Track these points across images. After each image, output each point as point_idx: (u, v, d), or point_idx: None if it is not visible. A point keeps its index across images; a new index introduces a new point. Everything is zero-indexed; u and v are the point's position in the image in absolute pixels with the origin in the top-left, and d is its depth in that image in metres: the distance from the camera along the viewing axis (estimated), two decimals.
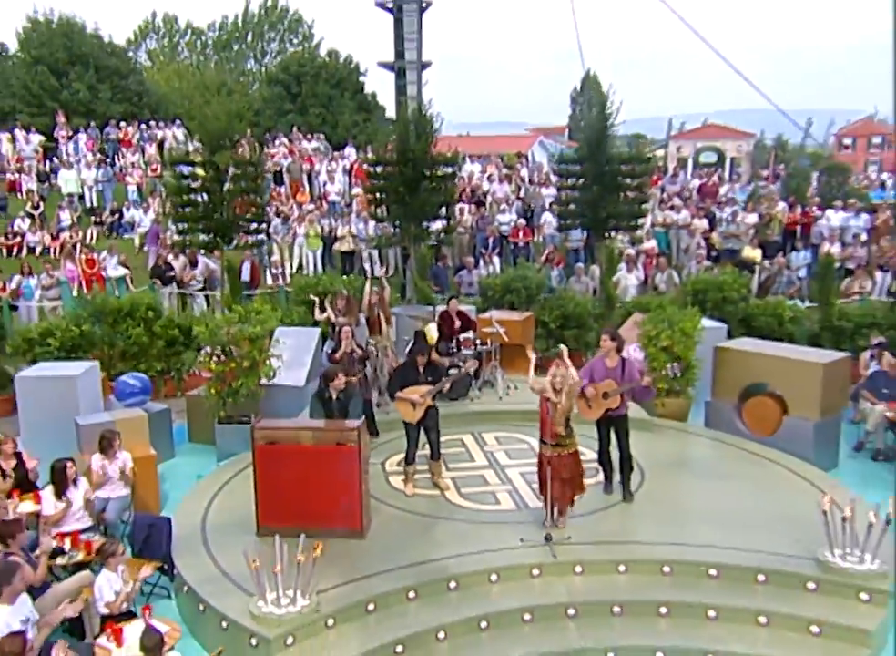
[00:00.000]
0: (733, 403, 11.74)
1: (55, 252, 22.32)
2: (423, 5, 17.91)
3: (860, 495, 10.12)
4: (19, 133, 29.42)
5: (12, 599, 6.76)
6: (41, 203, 24.77)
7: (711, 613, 7.71)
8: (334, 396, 9.33)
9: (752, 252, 20.32)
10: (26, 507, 9.08)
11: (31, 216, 23.89)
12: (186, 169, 17.46)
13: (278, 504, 8.61)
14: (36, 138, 29.42)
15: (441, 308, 14.13)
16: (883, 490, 10.45)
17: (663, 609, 7.79)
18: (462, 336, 12.98)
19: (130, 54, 47.11)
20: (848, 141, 56.86)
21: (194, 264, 18.90)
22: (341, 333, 11.43)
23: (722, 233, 21.72)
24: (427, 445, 10.07)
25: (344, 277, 21.08)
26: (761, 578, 7.97)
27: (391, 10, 18.09)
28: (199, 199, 16.12)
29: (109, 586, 7.34)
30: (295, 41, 51.40)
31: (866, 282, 17.64)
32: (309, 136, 33.56)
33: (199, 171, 16.06)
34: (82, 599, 7.37)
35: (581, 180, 17.15)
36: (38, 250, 22.73)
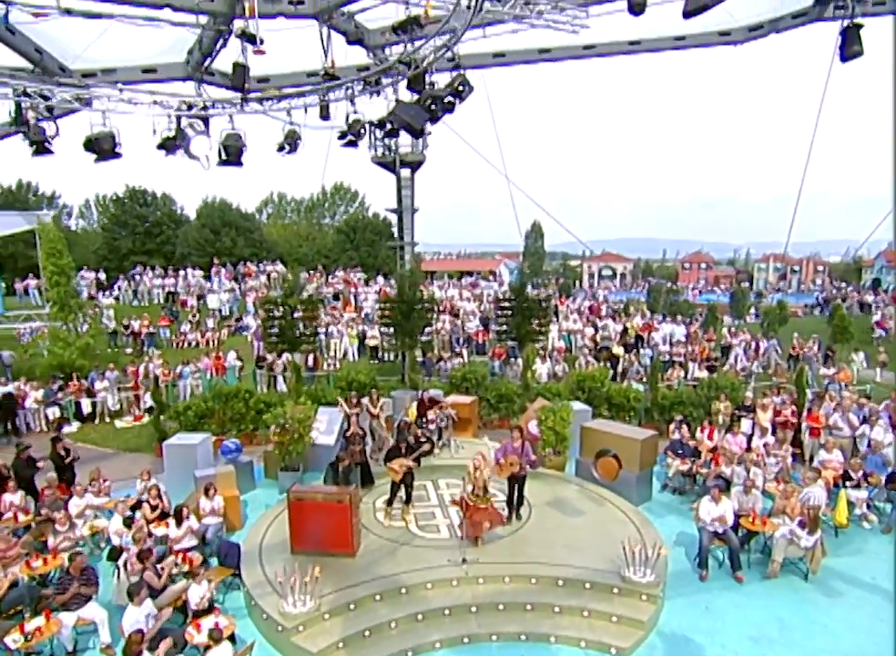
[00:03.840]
0: (592, 460, 11.47)
1: (203, 346, 22.64)
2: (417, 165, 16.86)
3: (659, 520, 10.21)
4: (189, 270, 29.86)
5: (140, 603, 6.93)
6: (198, 314, 25.00)
7: (556, 609, 7.66)
8: (341, 469, 9.28)
9: (617, 349, 20.31)
10: (160, 531, 8.99)
11: (191, 323, 24.04)
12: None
13: (302, 536, 8.47)
14: (199, 273, 29.74)
15: (421, 392, 13.88)
16: (676, 515, 10.62)
17: (528, 607, 7.70)
18: (430, 415, 12.72)
19: (256, 217, 47.88)
20: (687, 265, 57.50)
21: (280, 356, 19.03)
22: (350, 420, 11.42)
23: (601, 337, 21.87)
24: (404, 494, 9.77)
25: (371, 362, 21.44)
26: (588, 586, 7.88)
27: (390, 169, 16.62)
28: (278, 324, 16.19)
29: (196, 593, 7.34)
30: (353, 206, 51.91)
31: (680, 372, 17.54)
32: (355, 268, 34.05)
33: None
34: (172, 607, 7.50)
35: (510, 312, 17.25)
36: (194, 344, 22.93)
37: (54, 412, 16.35)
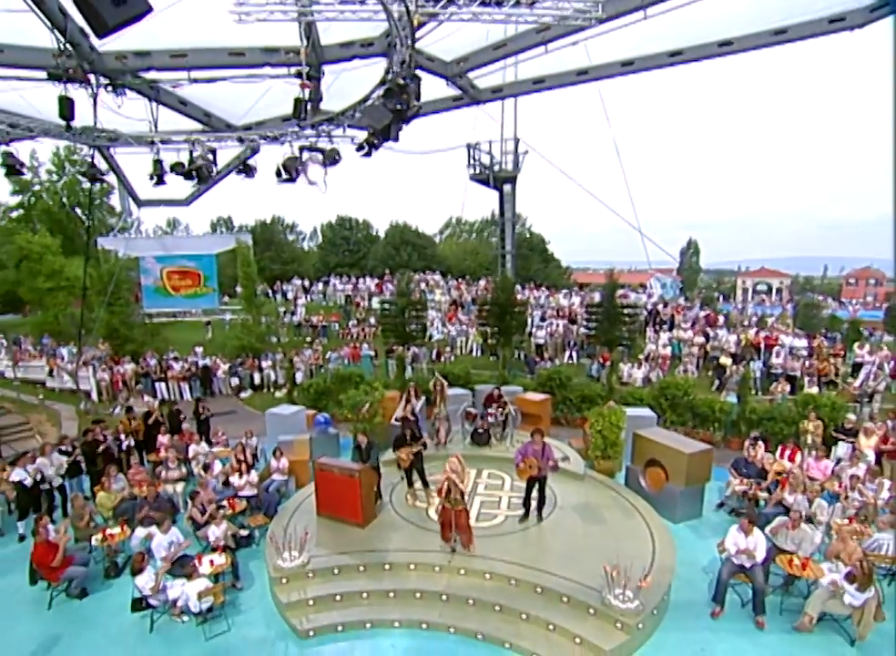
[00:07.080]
0: (641, 468, 9.58)
1: (362, 338, 23.78)
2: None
3: (699, 541, 8.23)
4: (365, 278, 31.64)
5: (166, 530, 7.22)
6: (364, 312, 26.36)
7: (524, 616, 6.35)
8: (363, 447, 8.81)
9: (725, 360, 17.04)
10: (234, 479, 9.21)
11: (357, 319, 25.26)
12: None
13: (325, 501, 8.22)
14: (373, 282, 31.37)
15: (494, 388, 12.47)
16: (721, 537, 8.28)
17: (497, 608, 6.50)
18: (490, 409, 11.53)
19: (435, 237, 49.45)
20: (852, 281, 46.72)
21: (408, 348, 19.13)
22: (403, 406, 10.86)
23: (711, 347, 18.51)
24: (421, 478, 8.98)
25: (491, 358, 20.62)
26: (565, 600, 6.42)
27: (486, 184, 16.24)
28: (393, 320, 16.28)
29: (213, 533, 7.47)
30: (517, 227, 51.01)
31: (786, 387, 13.96)
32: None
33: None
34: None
35: (597, 317, 15.33)
36: (356, 336, 23.98)
37: (234, 381, 18.34)
